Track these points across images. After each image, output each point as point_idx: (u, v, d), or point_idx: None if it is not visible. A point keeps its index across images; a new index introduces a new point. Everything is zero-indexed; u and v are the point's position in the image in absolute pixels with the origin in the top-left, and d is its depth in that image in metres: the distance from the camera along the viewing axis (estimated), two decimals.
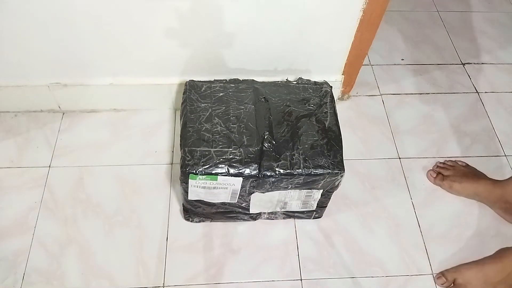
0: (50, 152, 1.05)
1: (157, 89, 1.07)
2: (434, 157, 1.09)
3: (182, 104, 0.87)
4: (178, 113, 1.13)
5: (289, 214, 0.94)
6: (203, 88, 0.88)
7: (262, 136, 0.81)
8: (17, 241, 0.92)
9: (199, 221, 0.95)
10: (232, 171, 0.77)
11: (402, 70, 1.28)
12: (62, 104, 1.10)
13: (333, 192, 0.88)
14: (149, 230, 0.95)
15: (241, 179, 0.78)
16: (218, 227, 0.96)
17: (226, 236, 0.95)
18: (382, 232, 0.97)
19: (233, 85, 0.89)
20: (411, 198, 1.02)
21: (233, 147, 0.80)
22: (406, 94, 1.21)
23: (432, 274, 0.92)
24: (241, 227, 0.96)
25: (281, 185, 0.82)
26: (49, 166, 1.03)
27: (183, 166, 0.78)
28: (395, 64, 1.29)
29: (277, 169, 0.79)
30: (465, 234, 0.98)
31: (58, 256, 0.91)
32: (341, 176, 0.82)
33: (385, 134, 1.13)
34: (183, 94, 0.88)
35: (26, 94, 1.06)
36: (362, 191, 1.03)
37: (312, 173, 0.79)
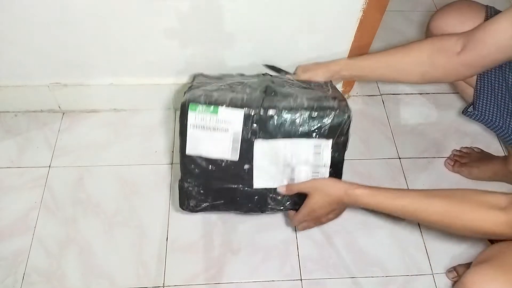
0: (50, 152, 1.05)
1: (157, 89, 1.07)
2: (434, 157, 1.09)
3: (189, 87, 0.83)
4: (178, 113, 1.13)
5: (295, 201, 0.81)
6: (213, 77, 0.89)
7: (265, 87, 0.80)
8: (17, 241, 0.92)
9: (197, 208, 0.81)
10: (233, 104, 0.75)
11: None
12: (62, 104, 1.10)
13: (344, 151, 0.79)
14: (149, 230, 0.95)
15: (242, 113, 0.74)
16: (218, 227, 0.96)
17: (226, 236, 0.95)
18: (382, 232, 0.97)
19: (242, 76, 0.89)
20: None
21: (235, 91, 0.79)
22: (406, 94, 1.21)
23: (432, 274, 0.92)
24: (241, 227, 0.96)
25: (285, 127, 0.75)
26: (49, 166, 1.03)
27: (184, 101, 0.75)
28: None
29: (278, 104, 0.75)
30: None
31: (58, 256, 0.91)
32: (349, 117, 0.76)
33: (385, 134, 1.13)
34: (191, 81, 0.87)
35: (26, 94, 1.06)
36: None
37: (316, 106, 0.75)
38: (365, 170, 1.06)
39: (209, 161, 0.77)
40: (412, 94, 1.21)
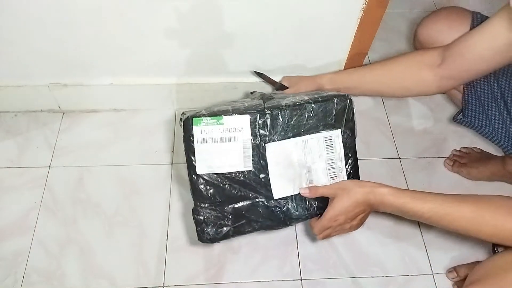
0: (50, 152, 1.05)
1: (157, 89, 1.07)
2: (434, 157, 1.09)
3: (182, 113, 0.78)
4: (178, 113, 1.13)
5: (320, 206, 0.77)
6: None
7: (260, 96, 0.81)
8: (17, 241, 0.92)
9: (218, 235, 0.75)
10: (237, 112, 0.73)
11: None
12: (62, 104, 1.10)
13: (354, 138, 0.79)
14: (149, 230, 0.95)
15: (248, 117, 0.73)
16: None
17: None
18: (382, 232, 0.97)
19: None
20: None
21: (234, 104, 0.77)
22: None
23: (432, 274, 0.92)
24: None
25: (293, 125, 0.74)
26: (49, 166, 1.03)
27: (186, 118, 0.73)
28: None
29: (281, 102, 0.75)
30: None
31: (58, 256, 0.91)
32: (351, 101, 0.77)
33: (385, 134, 1.13)
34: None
35: (26, 94, 1.06)
36: None
37: (318, 96, 0.76)
38: (365, 170, 1.05)
39: (223, 177, 0.73)
40: None
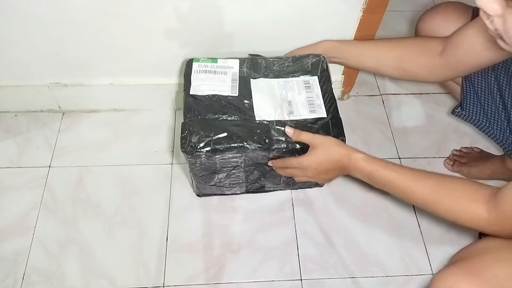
0: (50, 152, 1.05)
1: (157, 89, 1.07)
2: (434, 157, 1.09)
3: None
4: (178, 113, 1.13)
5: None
6: None
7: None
8: (17, 241, 0.92)
9: (199, 144, 0.78)
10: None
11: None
12: (62, 104, 1.10)
13: (330, 83, 0.89)
14: (149, 230, 0.95)
15: (238, 60, 0.90)
16: (218, 227, 0.96)
17: (226, 236, 0.95)
18: (382, 232, 0.97)
19: None
20: None
21: None
22: (406, 94, 1.21)
23: (432, 274, 0.92)
24: (241, 227, 0.96)
25: (274, 69, 0.90)
26: (49, 166, 1.03)
27: (188, 60, 0.90)
28: None
29: (265, 56, 0.92)
30: (466, 234, 0.98)
31: (58, 256, 0.91)
32: (324, 58, 0.91)
33: (385, 134, 1.13)
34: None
35: (26, 94, 1.06)
36: (362, 191, 1.03)
37: (297, 57, 0.92)
38: None
39: (211, 98, 0.84)
40: (412, 94, 1.21)
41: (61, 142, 1.07)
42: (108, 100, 1.10)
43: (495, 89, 0.83)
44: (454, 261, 0.66)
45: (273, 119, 0.82)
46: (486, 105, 0.85)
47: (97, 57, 0.98)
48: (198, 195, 0.99)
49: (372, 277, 0.91)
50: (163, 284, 0.89)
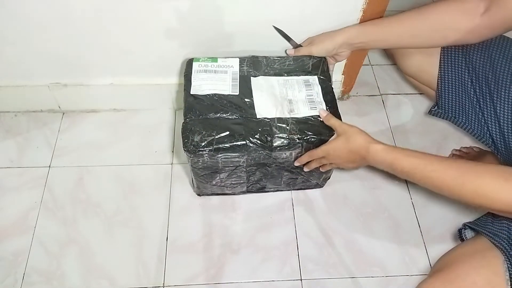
0: (50, 152, 1.05)
1: (157, 89, 1.07)
2: None
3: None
4: (178, 113, 1.13)
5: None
6: None
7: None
8: (17, 241, 0.92)
9: (201, 144, 0.78)
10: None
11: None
12: (62, 104, 1.10)
13: (330, 83, 0.89)
14: (149, 230, 0.95)
15: (238, 59, 0.90)
16: (218, 227, 0.96)
17: (226, 236, 0.95)
18: (382, 232, 0.97)
19: None
20: (411, 198, 1.02)
21: None
22: (406, 94, 1.21)
23: None
24: (241, 227, 0.96)
25: (275, 67, 0.90)
26: (49, 166, 1.03)
27: (188, 59, 0.90)
28: (395, 64, 1.29)
29: (265, 56, 0.92)
30: None
31: (58, 256, 0.91)
32: (325, 59, 0.92)
33: (385, 134, 1.13)
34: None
35: (26, 94, 1.06)
36: (362, 191, 1.03)
37: (298, 56, 0.92)
38: (365, 170, 1.06)
39: (212, 97, 0.84)
40: (412, 94, 1.21)
41: (61, 142, 1.07)
42: (108, 100, 1.10)
43: (469, 83, 0.83)
44: (435, 269, 0.66)
45: (274, 116, 0.82)
46: (461, 100, 0.85)
47: (97, 57, 0.98)
48: (198, 195, 0.99)
49: (372, 277, 0.91)
50: (163, 284, 0.89)
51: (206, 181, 0.91)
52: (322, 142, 0.81)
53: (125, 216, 0.97)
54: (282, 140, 0.80)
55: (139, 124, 1.11)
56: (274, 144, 0.80)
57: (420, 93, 1.21)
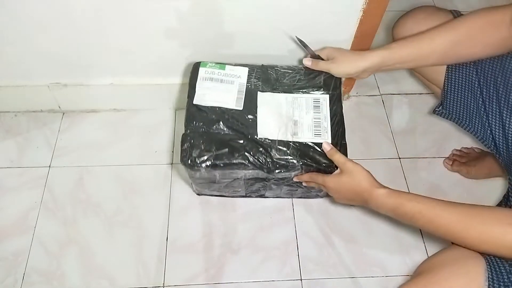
0: (50, 152, 1.05)
1: (157, 89, 1.07)
2: (434, 157, 1.09)
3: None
4: (178, 113, 1.13)
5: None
6: None
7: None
8: (17, 241, 0.92)
9: (199, 159, 0.77)
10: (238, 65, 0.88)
11: (402, 70, 1.27)
12: (62, 104, 1.10)
13: (340, 103, 0.85)
14: (149, 230, 0.95)
15: (247, 69, 0.87)
16: (218, 227, 0.96)
17: (226, 236, 0.95)
18: (382, 232, 0.97)
19: None
20: None
21: None
22: (406, 94, 1.21)
23: None
24: (241, 227, 0.96)
25: (285, 82, 0.86)
26: (49, 166, 1.03)
27: (195, 63, 0.87)
28: None
29: (276, 68, 0.89)
30: None
31: (58, 256, 0.91)
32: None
33: (385, 134, 1.13)
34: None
35: (26, 94, 1.06)
36: None
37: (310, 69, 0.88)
38: None
39: (214, 109, 0.82)
40: (412, 94, 1.21)
41: (61, 142, 1.07)
42: (108, 100, 1.10)
43: (476, 84, 0.81)
44: (417, 272, 0.66)
45: (275, 138, 0.80)
46: (467, 101, 0.84)
47: (97, 57, 0.98)
48: (198, 194, 0.99)
49: (372, 277, 0.91)
50: (163, 284, 0.89)
51: (204, 187, 0.91)
52: (322, 172, 0.79)
53: (125, 216, 0.97)
54: (281, 163, 0.79)
55: (139, 124, 1.11)
56: (272, 167, 0.79)
57: (420, 93, 1.21)
